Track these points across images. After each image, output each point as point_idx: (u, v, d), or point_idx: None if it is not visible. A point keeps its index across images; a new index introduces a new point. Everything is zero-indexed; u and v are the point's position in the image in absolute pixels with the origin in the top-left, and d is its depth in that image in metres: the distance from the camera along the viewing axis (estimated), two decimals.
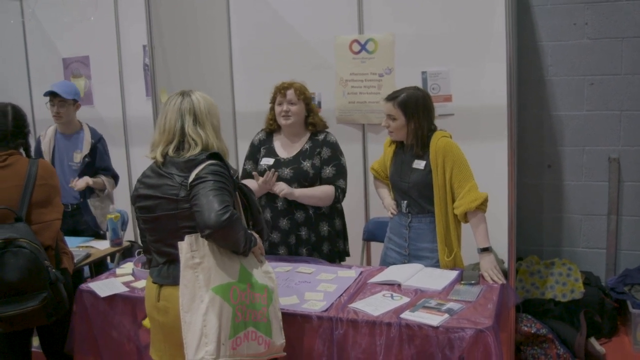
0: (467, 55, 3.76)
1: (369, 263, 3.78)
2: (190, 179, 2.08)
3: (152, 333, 2.31)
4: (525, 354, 3.38)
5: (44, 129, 3.94)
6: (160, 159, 2.19)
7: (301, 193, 3.01)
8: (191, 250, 2.05)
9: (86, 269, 3.58)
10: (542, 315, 3.48)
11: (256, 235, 2.24)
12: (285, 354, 2.24)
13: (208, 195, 2.00)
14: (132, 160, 4.80)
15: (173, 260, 2.16)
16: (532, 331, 3.33)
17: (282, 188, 2.96)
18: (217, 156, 2.16)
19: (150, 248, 2.27)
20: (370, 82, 4.06)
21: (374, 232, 3.56)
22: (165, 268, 2.21)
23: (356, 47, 4.06)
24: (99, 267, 3.60)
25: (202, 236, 2.03)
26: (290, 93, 3.05)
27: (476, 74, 3.73)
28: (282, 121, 3.08)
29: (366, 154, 4.11)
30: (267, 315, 2.14)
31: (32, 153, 2.89)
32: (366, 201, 4.14)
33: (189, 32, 3.94)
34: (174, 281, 2.12)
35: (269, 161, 3.10)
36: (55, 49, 4.89)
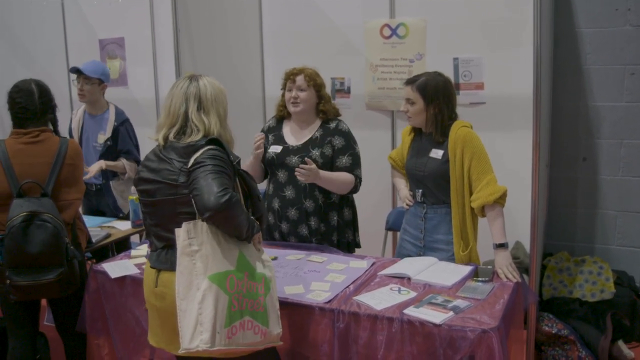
0: (500, 42, 3.65)
1: (393, 254, 3.71)
2: (189, 164, 2.07)
3: (150, 318, 2.31)
4: (547, 355, 3.26)
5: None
6: (162, 142, 2.19)
7: (325, 174, 2.87)
8: (189, 237, 2.03)
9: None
10: (565, 315, 3.34)
11: (257, 223, 2.20)
12: (281, 342, 2.22)
13: (207, 178, 1.98)
14: None
15: (171, 246, 2.15)
16: (553, 331, 3.20)
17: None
18: (216, 142, 2.14)
19: (150, 232, 2.27)
20: (401, 68, 3.98)
21: (396, 222, 3.47)
22: (164, 253, 2.20)
23: (387, 32, 3.99)
24: (121, 247, 3.64)
25: (202, 219, 2.01)
26: (300, 79, 2.96)
27: (509, 62, 3.61)
28: (290, 108, 3.00)
29: (395, 141, 4.05)
30: (264, 305, 2.11)
31: (59, 127, 2.94)
32: (393, 190, 4.06)
33: (218, 16, 3.92)
34: (172, 267, 2.11)
35: (277, 149, 3.02)
36: (92, 30, 4.95)
